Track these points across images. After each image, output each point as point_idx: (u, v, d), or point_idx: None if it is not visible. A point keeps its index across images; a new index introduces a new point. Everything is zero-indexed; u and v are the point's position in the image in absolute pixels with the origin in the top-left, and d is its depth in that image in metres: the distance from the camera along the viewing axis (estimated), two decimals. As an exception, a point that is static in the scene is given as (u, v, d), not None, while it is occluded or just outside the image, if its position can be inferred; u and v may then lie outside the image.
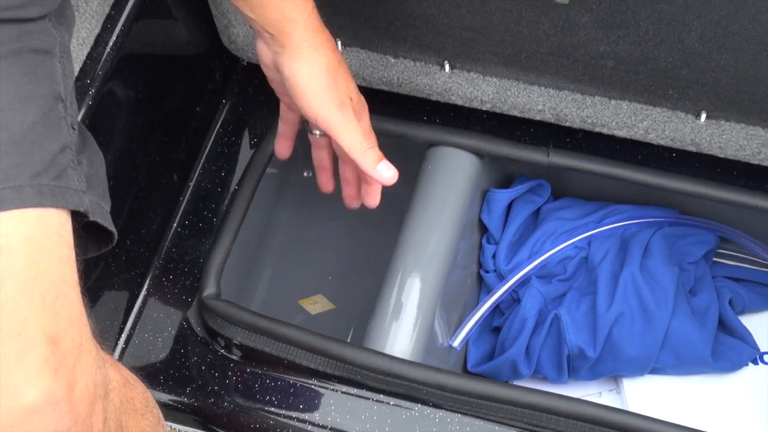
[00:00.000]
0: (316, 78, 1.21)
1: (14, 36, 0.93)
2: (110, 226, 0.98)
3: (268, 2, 1.16)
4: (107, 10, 1.24)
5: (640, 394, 1.29)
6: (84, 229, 0.96)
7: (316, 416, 1.23)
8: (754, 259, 1.37)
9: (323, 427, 1.22)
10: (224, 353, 1.28)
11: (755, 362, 1.30)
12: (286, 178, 1.40)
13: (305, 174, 1.46)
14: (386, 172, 1.24)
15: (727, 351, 1.28)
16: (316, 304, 1.45)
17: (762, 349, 1.30)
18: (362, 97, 1.27)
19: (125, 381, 0.98)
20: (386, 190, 1.36)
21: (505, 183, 1.42)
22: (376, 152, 1.24)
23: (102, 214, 0.96)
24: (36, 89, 0.93)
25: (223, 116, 1.47)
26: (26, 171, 0.87)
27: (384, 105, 1.36)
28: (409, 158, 1.37)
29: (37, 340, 0.81)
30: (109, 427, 0.90)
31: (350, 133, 1.23)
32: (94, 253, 1.01)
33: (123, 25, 1.24)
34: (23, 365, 0.80)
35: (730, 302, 1.32)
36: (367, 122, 1.27)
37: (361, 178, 1.31)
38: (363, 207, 1.39)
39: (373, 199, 1.32)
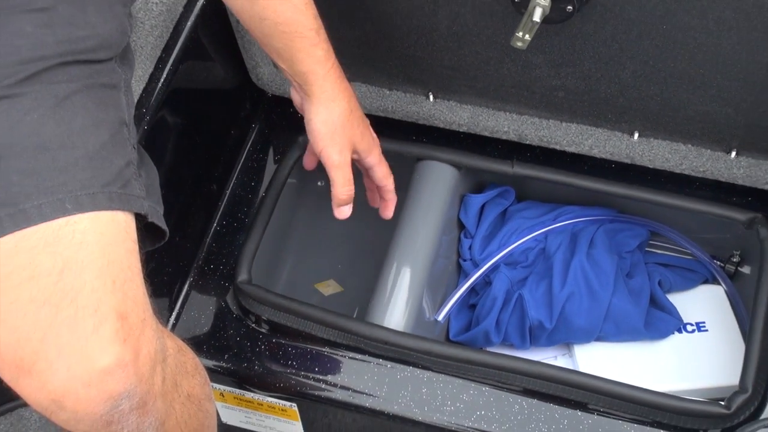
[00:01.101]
0: (328, 125, 1.20)
1: (87, 74, 0.92)
2: (164, 225, 0.98)
3: (297, 57, 1.15)
4: (159, 53, 1.23)
5: (588, 357, 1.29)
6: (144, 228, 0.96)
7: (328, 377, 1.22)
8: (678, 248, 1.36)
9: (334, 385, 1.22)
10: (255, 327, 1.27)
11: (680, 331, 1.29)
12: (304, 187, 1.40)
13: (319, 183, 1.44)
14: (340, 214, 1.25)
15: (657, 322, 1.28)
16: (329, 287, 1.44)
17: (685, 321, 1.29)
18: (373, 136, 1.26)
19: (179, 348, 0.97)
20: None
21: (478, 189, 1.42)
22: (348, 196, 1.24)
23: (157, 217, 0.96)
24: (105, 116, 0.92)
25: (252, 137, 1.46)
26: (99, 181, 0.87)
27: (381, 127, 1.32)
28: (401, 170, 1.36)
29: (109, 316, 0.81)
30: (167, 385, 0.90)
31: (339, 174, 1.22)
32: (150, 248, 1.00)
33: (171, 66, 1.23)
34: (98, 336, 0.80)
35: (659, 283, 1.32)
36: (377, 155, 1.26)
37: (379, 194, 1.31)
38: (365, 209, 1.36)
39: (387, 213, 1.32)
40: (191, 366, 1.00)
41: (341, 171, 1.21)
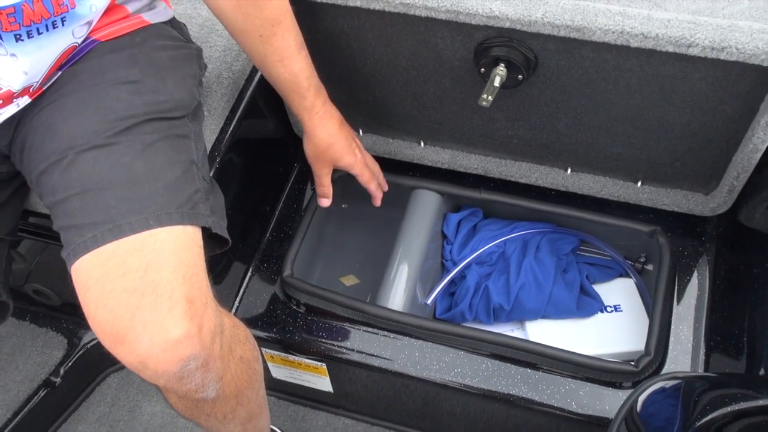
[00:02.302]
0: (312, 151, 1.19)
1: (166, 127, 0.93)
2: (226, 236, 0.97)
3: (292, 104, 1.13)
4: (227, 113, 1.23)
5: (536, 330, 1.28)
6: (212, 237, 0.95)
7: (348, 344, 1.22)
8: (601, 252, 1.36)
9: (352, 350, 1.21)
10: (295, 309, 1.27)
11: (602, 311, 1.28)
12: (332, 209, 1.35)
13: (343, 206, 1.45)
14: (320, 203, 1.26)
15: (585, 305, 1.28)
16: (349, 280, 1.44)
17: (605, 304, 1.29)
18: (357, 155, 1.21)
19: (234, 324, 0.97)
20: (388, 215, 1.37)
21: (456, 209, 1.42)
22: (323, 194, 1.24)
23: (221, 229, 0.96)
24: (179, 157, 0.93)
25: (295, 173, 1.46)
26: (174, 204, 0.87)
27: (386, 165, 1.33)
28: (400, 196, 1.37)
29: (180, 301, 0.81)
30: (224, 350, 0.89)
31: (319, 182, 1.22)
32: (219, 251, 1.00)
33: (236, 122, 1.23)
34: (172, 315, 0.80)
35: (587, 277, 1.32)
36: (359, 169, 1.22)
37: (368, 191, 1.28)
38: (375, 227, 1.38)
39: (376, 202, 1.29)
40: (243, 336, 0.98)
41: (320, 180, 1.21)
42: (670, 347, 1.15)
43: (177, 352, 0.80)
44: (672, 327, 1.17)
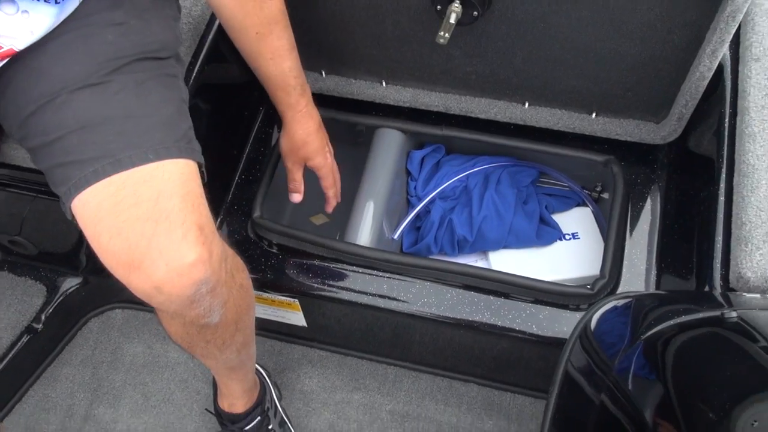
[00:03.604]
0: (286, 146, 1.18)
1: (155, 66, 0.93)
2: (204, 174, 0.95)
3: (276, 99, 1.13)
4: (189, 58, 1.21)
5: (498, 259, 1.31)
6: None
7: (318, 280, 1.23)
8: (559, 183, 1.37)
9: (322, 286, 1.22)
10: (267, 249, 1.27)
11: (560, 239, 1.31)
12: None
13: None
14: (291, 199, 1.23)
15: (545, 234, 1.30)
16: (319, 219, 1.44)
17: (564, 232, 1.31)
18: (327, 159, 1.20)
19: (233, 253, 0.97)
20: (354, 155, 1.37)
21: (419, 147, 1.42)
22: (293, 189, 1.22)
23: (203, 168, 0.95)
24: (171, 95, 0.93)
25: (261, 116, 1.44)
26: (170, 138, 0.87)
27: (349, 105, 1.34)
28: (364, 137, 1.38)
29: (192, 227, 0.82)
30: (228, 276, 0.91)
31: (290, 176, 1.21)
32: None
33: (198, 68, 1.21)
34: (186, 241, 0.81)
35: (546, 207, 1.34)
36: (324, 173, 1.21)
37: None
38: (345, 167, 1.33)
39: (328, 208, 1.27)
40: (241, 265, 1.00)
41: (291, 175, 1.21)
42: (624, 270, 1.18)
43: (191, 276, 0.82)
44: (626, 251, 1.19)
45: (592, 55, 1.11)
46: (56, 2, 0.86)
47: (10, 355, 1.34)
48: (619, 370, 0.78)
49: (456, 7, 1.05)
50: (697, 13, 0.99)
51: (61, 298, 1.40)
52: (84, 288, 1.42)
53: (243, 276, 0.99)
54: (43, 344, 1.42)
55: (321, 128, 1.18)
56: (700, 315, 0.79)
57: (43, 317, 1.38)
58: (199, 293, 0.84)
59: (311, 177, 1.25)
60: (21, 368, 1.39)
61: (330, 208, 1.27)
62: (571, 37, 1.09)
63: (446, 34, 1.06)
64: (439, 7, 1.07)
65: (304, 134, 1.15)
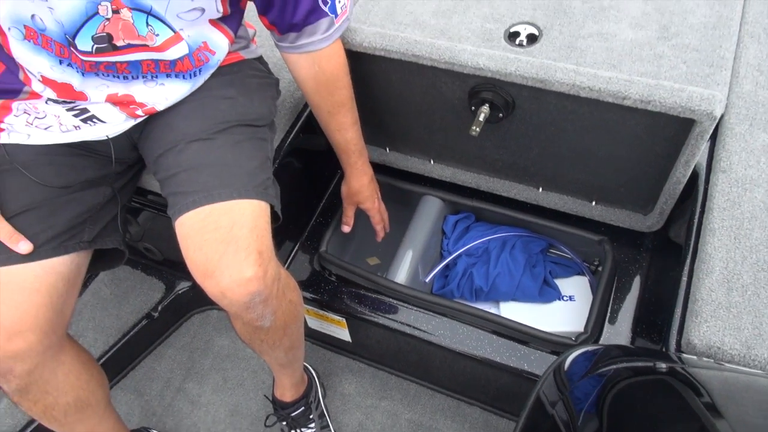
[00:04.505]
0: (345, 191, 1.22)
1: (250, 131, 0.97)
2: (280, 214, 0.97)
3: (341, 158, 1.16)
4: (288, 127, 1.24)
5: (507, 309, 1.30)
6: (271, 214, 0.95)
7: (362, 306, 1.23)
8: (563, 254, 1.36)
9: (365, 310, 1.22)
10: (327, 276, 1.29)
11: (559, 299, 1.30)
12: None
13: None
14: (344, 230, 1.26)
15: (546, 293, 1.29)
16: (373, 260, 1.45)
17: (562, 294, 1.30)
18: (374, 203, 1.22)
19: (287, 275, 0.97)
20: (403, 214, 1.38)
21: (454, 212, 1.41)
22: (346, 224, 1.25)
23: (278, 209, 0.96)
24: (258, 154, 0.96)
25: (338, 177, 1.43)
26: (251, 184, 0.90)
27: (403, 175, 1.36)
28: (412, 200, 1.39)
29: (253, 251, 0.84)
30: (279, 292, 0.91)
31: (345, 215, 1.25)
32: (273, 226, 0.95)
33: (293, 136, 1.24)
34: (247, 261, 0.83)
35: (550, 272, 1.33)
36: (373, 214, 1.24)
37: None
38: (396, 222, 1.35)
39: (377, 239, 1.28)
40: (293, 286, 1.00)
41: (345, 212, 1.24)
42: (605, 330, 1.17)
43: (247, 287, 0.83)
44: (608, 315, 1.19)
45: (592, 155, 1.13)
46: (189, 78, 0.95)
47: (131, 333, 1.42)
48: (571, 393, 0.80)
49: (485, 109, 1.09)
50: (674, 131, 1.02)
51: (174, 295, 1.47)
52: (192, 290, 1.47)
53: (293, 294, 0.99)
54: (156, 329, 1.47)
55: (372, 181, 1.20)
56: (639, 363, 0.80)
57: (159, 308, 1.44)
58: (253, 302, 0.85)
59: (371, 228, 1.29)
60: (138, 344, 1.45)
61: (378, 239, 1.27)
62: (575, 140, 1.11)
63: (477, 129, 1.09)
64: (473, 107, 1.12)
65: (358, 185, 1.19)
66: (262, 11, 0.95)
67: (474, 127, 1.10)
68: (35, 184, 0.91)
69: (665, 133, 1.03)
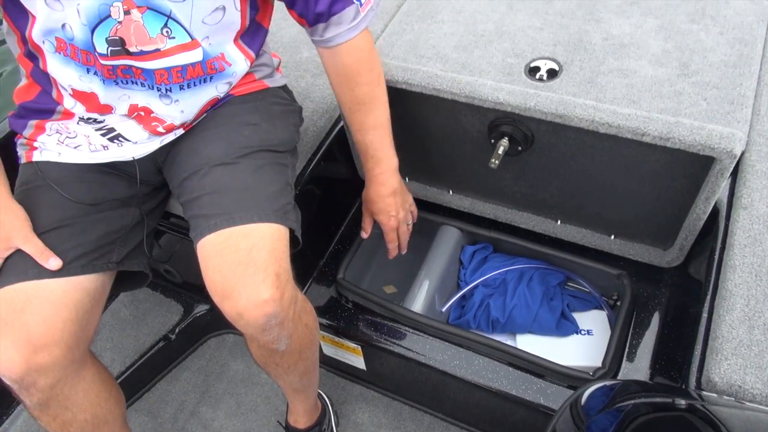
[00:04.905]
0: (364, 200, 1.18)
1: (272, 157, 0.99)
2: (300, 238, 0.98)
3: (364, 164, 1.12)
4: (310, 155, 1.26)
5: (523, 341, 1.29)
6: (291, 239, 0.96)
7: (378, 334, 1.24)
8: (582, 287, 1.35)
9: (380, 338, 1.22)
10: (344, 303, 1.29)
11: (577, 333, 1.29)
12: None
13: None
14: (363, 235, 1.21)
15: (564, 326, 1.29)
16: (390, 289, 1.45)
17: (580, 328, 1.29)
18: (389, 218, 1.17)
19: (304, 299, 0.98)
20: (422, 243, 1.37)
21: (472, 243, 1.42)
22: (365, 231, 1.20)
23: (299, 233, 0.97)
24: (279, 179, 0.97)
25: (357, 205, 1.45)
26: (271, 208, 0.91)
27: (423, 205, 1.36)
28: (431, 229, 1.40)
29: (271, 274, 0.85)
30: (295, 316, 0.92)
31: (364, 223, 1.20)
32: (292, 250, 0.97)
33: (315, 162, 1.26)
34: (264, 283, 0.84)
35: (568, 305, 1.32)
36: (387, 230, 1.18)
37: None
38: (414, 251, 1.32)
39: (389, 256, 1.23)
40: (309, 310, 1.00)
41: (364, 218, 1.20)
42: (623, 365, 1.15)
43: (264, 309, 0.84)
44: (627, 350, 1.17)
45: (611, 189, 1.13)
46: (200, 84, 0.95)
47: (148, 354, 1.43)
48: (588, 428, 0.79)
49: (504, 143, 1.10)
50: (693, 168, 1.03)
51: (191, 318, 1.47)
52: (209, 314, 1.48)
53: (310, 318, 1.00)
54: (173, 351, 1.48)
55: (392, 196, 1.14)
56: (658, 399, 0.79)
57: (176, 330, 1.45)
58: (269, 324, 0.86)
59: (390, 262, 1.29)
60: (154, 366, 1.46)
61: (390, 256, 1.24)
62: (594, 175, 1.12)
63: (496, 161, 1.10)
64: (492, 140, 1.13)
65: (374, 195, 1.15)
66: (290, 4, 0.95)
67: (493, 160, 1.11)
68: (66, 201, 0.94)
69: (685, 170, 1.03)
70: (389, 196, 1.15)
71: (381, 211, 1.17)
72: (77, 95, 0.94)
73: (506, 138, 1.10)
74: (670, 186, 1.08)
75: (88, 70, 0.91)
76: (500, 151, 1.10)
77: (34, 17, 0.86)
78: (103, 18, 0.83)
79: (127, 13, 0.83)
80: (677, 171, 1.04)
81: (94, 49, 0.87)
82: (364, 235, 1.24)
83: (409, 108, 1.19)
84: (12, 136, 1.05)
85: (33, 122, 1.00)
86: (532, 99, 1.03)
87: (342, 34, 0.97)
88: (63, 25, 0.85)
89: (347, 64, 1.00)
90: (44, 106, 0.98)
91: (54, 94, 0.97)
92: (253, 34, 0.99)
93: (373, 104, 1.05)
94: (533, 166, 1.16)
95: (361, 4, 0.95)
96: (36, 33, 0.88)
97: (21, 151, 1.02)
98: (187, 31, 0.88)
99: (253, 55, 1.01)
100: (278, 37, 1.53)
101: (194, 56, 0.91)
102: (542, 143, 1.10)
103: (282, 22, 1.57)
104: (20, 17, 0.89)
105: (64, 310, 0.88)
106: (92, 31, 0.84)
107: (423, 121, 1.20)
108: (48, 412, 0.92)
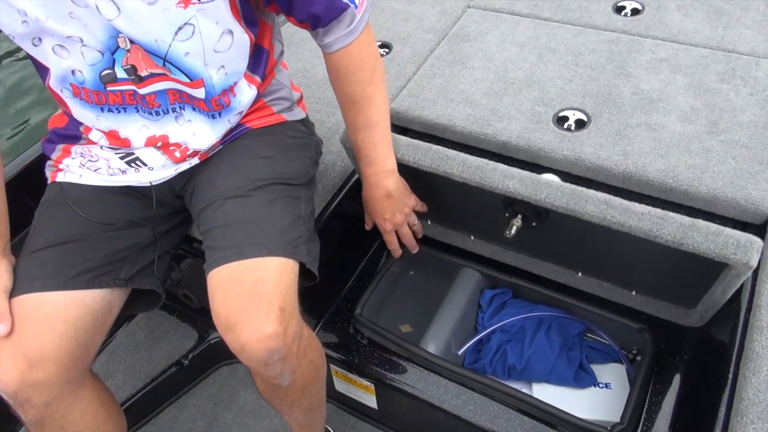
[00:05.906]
0: (363, 203, 1.17)
1: (285, 190, 0.99)
2: (315, 272, 0.98)
3: (358, 166, 1.12)
4: (332, 193, 1.27)
5: (540, 390, 1.27)
6: (307, 273, 0.97)
7: (392, 373, 1.22)
8: (602, 339, 1.32)
9: (394, 377, 1.21)
10: (359, 340, 1.28)
11: (595, 385, 1.26)
12: (401, 273, 1.39)
13: (410, 273, 1.45)
14: (366, 227, 1.20)
15: (582, 378, 1.26)
16: (405, 328, 1.41)
17: (598, 381, 1.26)
18: (386, 222, 1.17)
19: (310, 335, 0.98)
20: (442, 284, 1.37)
21: (492, 287, 1.41)
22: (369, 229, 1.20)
23: (312, 266, 0.97)
24: (291, 212, 0.97)
25: (377, 243, 1.46)
26: (280, 242, 0.91)
27: (445, 248, 1.36)
28: (452, 271, 1.39)
29: (275, 308, 0.85)
30: (300, 351, 0.91)
31: (366, 223, 1.20)
32: (308, 284, 1.00)
33: (338, 201, 1.27)
34: (267, 318, 0.84)
35: (586, 357, 1.29)
36: (386, 232, 1.18)
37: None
38: (433, 291, 1.35)
39: (397, 253, 1.24)
40: (315, 345, 1.00)
41: (366, 224, 1.20)
42: (642, 422, 1.13)
43: (266, 344, 0.84)
44: (646, 407, 1.15)
45: (631, 261, 1.11)
46: (212, 117, 0.99)
47: (160, 379, 1.42)
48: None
49: (517, 221, 1.10)
50: (710, 266, 0.98)
51: (206, 345, 1.47)
52: (223, 342, 1.43)
53: (315, 354, 0.99)
54: (185, 377, 1.47)
55: (387, 199, 1.12)
56: None
57: (190, 356, 1.44)
58: (271, 359, 0.86)
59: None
60: (164, 391, 1.44)
61: (395, 256, 1.24)
62: (613, 248, 1.09)
63: (511, 233, 1.11)
64: (507, 214, 1.12)
65: (368, 196, 1.14)
66: (287, 11, 0.94)
67: (508, 232, 1.11)
68: (82, 219, 0.96)
69: (703, 265, 1.00)
70: (383, 199, 1.13)
71: (375, 212, 1.16)
72: (100, 131, 0.98)
73: (519, 216, 1.09)
74: (688, 268, 1.05)
75: (102, 109, 0.94)
76: (513, 230, 1.09)
77: (48, 68, 0.90)
78: (113, 50, 0.86)
79: (132, 42, 0.86)
80: (697, 263, 1.00)
81: (115, 79, 0.89)
82: (367, 227, 1.23)
83: (431, 180, 1.18)
84: (43, 159, 1.09)
85: (61, 146, 1.04)
86: (542, 190, 1.01)
87: (340, 39, 0.96)
88: (73, 71, 0.89)
89: (337, 59, 0.99)
90: (72, 133, 1.02)
91: (81, 127, 1.01)
92: (256, 57, 0.99)
93: (365, 103, 1.03)
94: (549, 234, 1.16)
95: (356, 7, 0.94)
96: (53, 83, 0.91)
97: (48, 172, 1.06)
98: (184, 72, 0.90)
99: (258, 80, 1.01)
100: (311, 74, 1.56)
101: (197, 94, 0.94)
102: (556, 221, 1.09)
103: (316, 60, 1.61)
104: (41, 70, 0.93)
105: (62, 326, 0.87)
106: (112, 62, 0.87)
107: (444, 191, 1.20)
108: (44, 430, 0.91)
